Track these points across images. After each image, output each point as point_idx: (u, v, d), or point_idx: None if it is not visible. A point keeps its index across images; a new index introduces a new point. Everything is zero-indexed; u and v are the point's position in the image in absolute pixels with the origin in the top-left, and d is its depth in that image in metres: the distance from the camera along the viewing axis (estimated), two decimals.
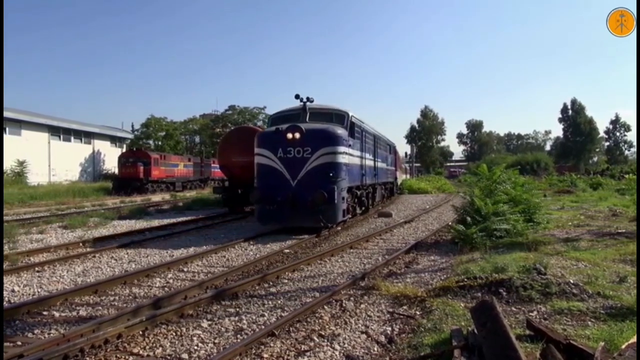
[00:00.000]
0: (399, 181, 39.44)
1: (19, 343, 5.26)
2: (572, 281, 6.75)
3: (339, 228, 15.21)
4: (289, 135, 13.32)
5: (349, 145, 14.35)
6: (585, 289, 6.50)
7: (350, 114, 15.30)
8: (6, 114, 40.50)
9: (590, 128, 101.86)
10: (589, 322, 5.41)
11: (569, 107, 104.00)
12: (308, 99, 14.60)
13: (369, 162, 18.72)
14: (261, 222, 14.11)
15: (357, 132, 16.08)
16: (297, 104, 15.02)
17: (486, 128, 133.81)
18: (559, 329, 5.18)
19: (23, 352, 4.68)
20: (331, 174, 13.14)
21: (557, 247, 10.15)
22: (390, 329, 5.73)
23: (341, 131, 13.99)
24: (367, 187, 18.70)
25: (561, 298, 6.27)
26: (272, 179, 13.62)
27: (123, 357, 4.91)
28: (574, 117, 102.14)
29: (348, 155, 14.27)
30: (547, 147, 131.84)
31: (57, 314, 6.37)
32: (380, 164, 22.05)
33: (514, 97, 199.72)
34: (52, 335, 5.48)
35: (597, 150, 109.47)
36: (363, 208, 18.57)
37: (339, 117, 15.09)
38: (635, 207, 14.72)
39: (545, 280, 6.71)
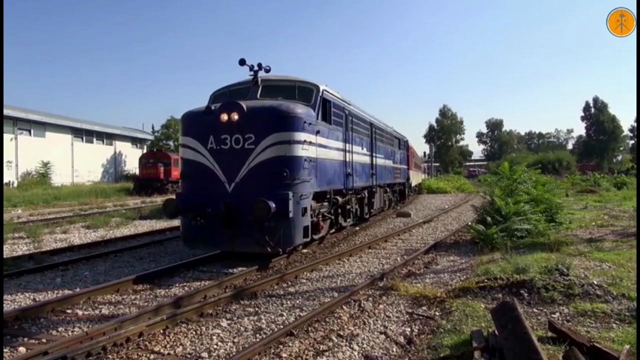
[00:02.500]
0: (415, 181, 33.58)
1: (44, 340, 5.38)
2: (595, 282, 6.62)
3: (305, 250, 10.90)
4: (223, 117, 8.87)
5: (317, 132, 9.90)
6: (610, 290, 6.37)
7: (322, 88, 10.58)
8: (31, 116, 41.54)
9: (614, 126, 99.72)
10: (614, 325, 5.30)
11: (592, 105, 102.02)
12: (260, 66, 10.28)
13: (361, 158, 14.13)
14: (186, 245, 9.66)
15: (337, 115, 11.69)
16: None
17: (506, 127, 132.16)
18: (582, 331, 5.09)
19: (47, 350, 4.79)
20: (284, 174, 8.72)
21: (580, 248, 9.97)
22: (409, 329, 5.70)
23: (303, 110, 9.36)
24: (359, 192, 14.30)
25: (584, 299, 6.15)
26: (200, 182, 9.26)
27: (144, 355, 4.98)
28: (597, 115, 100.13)
29: (317, 147, 9.86)
30: (569, 146, 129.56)
31: (80, 312, 6.50)
32: (381, 161, 17.60)
33: (535, 95, 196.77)
34: (75, 333, 5.59)
35: (621, 148, 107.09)
36: (352, 219, 13.85)
37: (305, 92, 10.39)
38: None
39: (567, 282, 6.60)
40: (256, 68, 10.35)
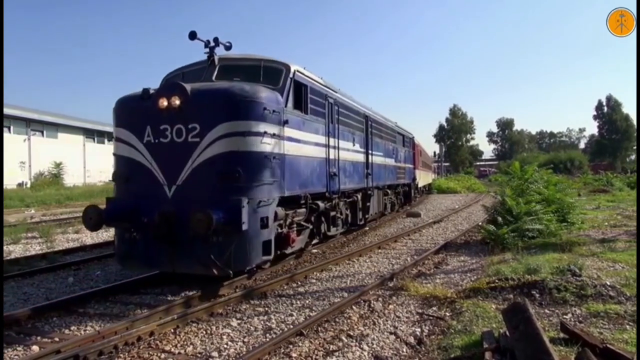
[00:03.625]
0: (423, 182, 31.43)
1: (57, 339, 5.44)
2: (608, 283, 6.55)
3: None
4: (162, 103, 7.07)
5: (286, 123, 7.95)
6: (623, 291, 6.30)
7: (294, 69, 8.64)
8: (44, 117, 42.06)
9: (627, 125, 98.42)
10: (627, 326, 5.24)
11: (605, 103, 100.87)
12: (218, 42, 8.35)
13: (352, 156, 12.22)
14: (119, 263, 7.82)
15: (317, 103, 9.74)
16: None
17: (517, 126, 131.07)
18: (595, 332, 5.04)
19: (60, 348, 4.85)
20: (237, 174, 6.88)
21: (592, 248, 9.87)
22: (419, 330, 5.68)
23: (264, 95, 7.48)
24: (350, 194, 12.43)
25: (597, 300, 6.09)
26: (134, 184, 7.46)
27: (155, 354, 5.02)
28: (610, 114, 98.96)
29: (286, 141, 7.99)
30: (582, 145, 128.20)
31: (92, 311, 6.56)
32: (379, 159, 15.59)
33: (546, 94, 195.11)
34: (87, 332, 5.64)
35: (635, 148, 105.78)
36: (341, 226, 12.04)
37: (271, 73, 8.42)
38: None
39: (580, 282, 6.53)
40: (212, 44, 8.35)
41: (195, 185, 6.97)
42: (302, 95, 9.00)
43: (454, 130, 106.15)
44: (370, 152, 14.24)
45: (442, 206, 25.38)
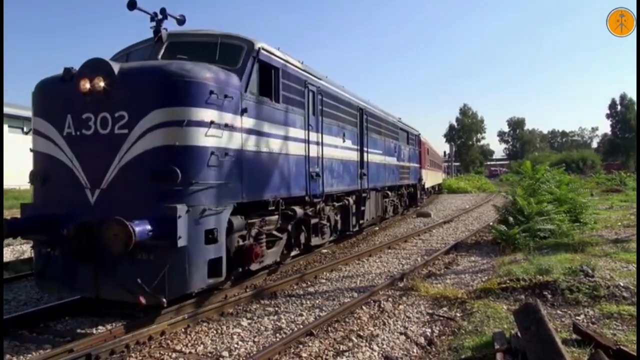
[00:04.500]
0: (431, 182, 29.69)
1: (69, 338, 5.49)
2: (622, 284, 6.47)
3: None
4: (84, 85, 5.76)
5: (244, 111, 6.58)
6: (637, 292, 6.22)
7: (259, 46, 7.14)
8: None
9: None
10: None
11: (618, 102, 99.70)
12: (165, 14, 7.06)
13: (341, 153, 10.81)
14: (36, 284, 6.59)
15: (293, 90, 8.29)
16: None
17: (528, 126, 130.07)
18: (608, 333, 4.98)
19: (72, 347, 4.89)
20: (173, 174, 5.53)
21: (605, 249, 9.76)
22: (429, 330, 5.66)
23: (211, 75, 6.09)
24: (340, 198, 11.09)
25: (610, 301, 6.03)
26: (53, 187, 6.15)
27: (166, 353, 5.05)
28: (624, 113, 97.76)
29: (245, 134, 6.63)
30: (594, 145, 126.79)
31: (104, 310, 6.60)
32: (377, 158, 14.07)
33: (558, 93, 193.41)
34: (99, 331, 5.69)
35: None
36: (329, 234, 10.51)
37: (230, 51, 6.98)
38: None
39: (593, 283, 6.47)
40: (159, 16, 7.01)
41: (123, 188, 5.65)
42: (272, 80, 7.56)
43: (464, 129, 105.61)
44: (365, 149, 12.68)
45: (453, 206, 25.27)
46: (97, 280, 5.62)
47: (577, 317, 5.60)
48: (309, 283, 8.12)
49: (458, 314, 6.17)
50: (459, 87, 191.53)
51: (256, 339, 5.45)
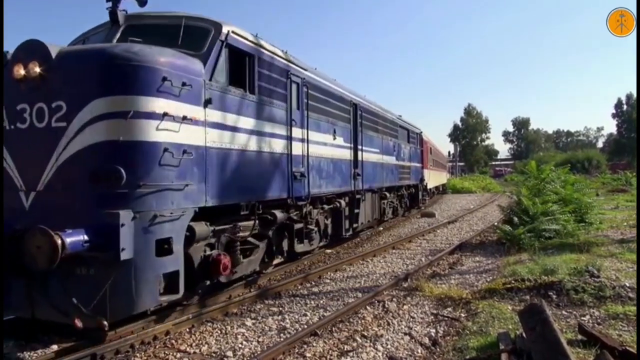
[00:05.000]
0: (434, 182, 28.82)
1: (74, 338, 5.50)
2: (627, 284, 6.44)
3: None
4: (17, 72, 5.03)
5: (208, 103, 5.82)
6: None
7: (228, 30, 6.33)
8: None
9: None
10: None
11: (624, 102, 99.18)
12: None
13: (331, 151, 9.97)
14: None
15: (272, 81, 7.49)
16: None
17: (533, 125, 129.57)
18: (614, 334, 4.96)
19: (78, 347, 4.91)
20: (116, 175, 4.81)
21: (611, 249, 9.71)
22: (434, 331, 5.65)
23: (169, 59, 5.40)
24: (331, 200, 10.32)
25: (616, 302, 6.00)
26: None
27: (171, 353, 5.07)
28: (630, 113, 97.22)
29: (209, 128, 5.88)
30: (600, 145, 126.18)
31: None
32: (374, 157, 13.24)
33: (563, 93, 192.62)
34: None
35: None
36: (318, 240, 9.91)
37: (195, 34, 6.19)
38: None
39: (598, 283, 6.44)
40: None
41: (60, 191, 4.89)
42: (246, 68, 6.76)
43: (469, 129, 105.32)
44: (360, 147, 11.87)
45: (457, 206, 25.20)
46: (31, 299, 4.84)
47: (582, 318, 5.58)
48: (313, 283, 8.12)
49: (463, 315, 6.15)
50: (463, 87, 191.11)
51: (260, 339, 5.45)
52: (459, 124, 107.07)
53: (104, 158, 4.85)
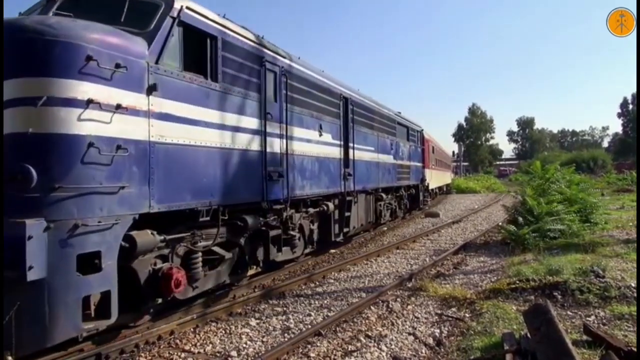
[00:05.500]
0: (437, 183, 27.70)
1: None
2: (633, 285, 6.41)
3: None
4: None
5: (152, 90, 4.91)
6: None
7: (181, 4, 5.49)
8: None
9: None
10: None
11: (630, 101, 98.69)
12: None
13: (314, 149, 9.02)
14: None
15: (240, 66, 6.62)
16: None
17: (538, 125, 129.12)
18: (619, 334, 4.93)
19: (82, 347, 4.93)
20: (25, 176, 3.97)
21: (616, 249, 9.66)
22: (438, 331, 5.64)
23: (99, 36, 4.50)
24: (316, 203, 9.45)
25: (622, 302, 5.97)
26: None
27: (175, 353, 5.08)
28: (635, 112, 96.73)
29: (156, 120, 5.03)
30: (605, 144, 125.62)
31: None
32: (368, 155, 12.31)
33: (568, 92, 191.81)
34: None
35: None
36: (303, 246, 9.15)
37: (142, 10, 5.34)
38: None
39: (603, 284, 6.42)
40: None
41: None
42: (207, 52, 5.89)
43: (473, 129, 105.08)
44: (351, 145, 10.99)
45: (462, 206, 25.14)
46: None
47: (587, 318, 5.56)
48: (317, 283, 8.12)
49: (467, 315, 6.14)
50: (467, 86, 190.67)
51: (265, 339, 5.46)
52: (464, 123, 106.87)
53: (9, 155, 4.02)
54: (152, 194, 4.89)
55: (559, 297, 6.33)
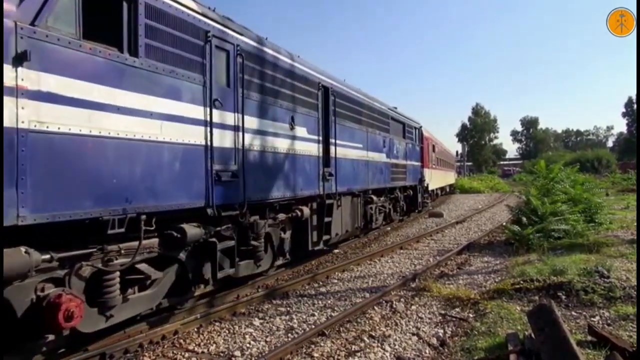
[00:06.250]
0: (437, 183, 26.28)
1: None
2: None
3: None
4: None
5: (20, 60, 3.66)
6: None
7: None
8: None
9: None
10: None
11: (634, 100, 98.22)
12: None
13: (283, 144, 7.76)
14: None
15: (167, 38, 5.28)
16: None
17: (542, 125, 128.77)
18: (624, 335, 4.91)
19: (87, 347, 4.94)
20: None
21: (621, 249, 9.62)
22: (442, 331, 5.63)
23: None
24: (290, 208, 8.29)
25: (626, 303, 5.94)
26: None
27: (179, 353, 5.09)
28: None
29: (31, 101, 3.77)
30: (609, 144, 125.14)
31: None
32: (354, 153, 11.03)
33: (572, 92, 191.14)
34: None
35: None
36: (264, 261, 7.47)
37: None
38: None
39: (608, 284, 6.39)
40: None
41: None
42: (124, 18, 4.75)
43: (477, 129, 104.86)
44: (333, 141, 9.70)
45: (465, 206, 25.10)
46: None
47: (592, 319, 5.54)
48: (320, 283, 8.12)
49: (471, 315, 6.13)
50: (471, 86, 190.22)
51: (268, 339, 5.47)
52: (467, 123, 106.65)
53: None
54: (22, 201, 3.68)
55: (564, 297, 6.31)
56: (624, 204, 20.05)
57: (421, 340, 5.34)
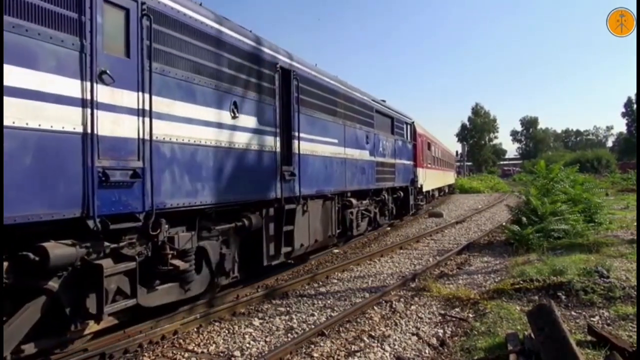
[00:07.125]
0: (435, 184, 25.21)
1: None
2: None
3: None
4: None
5: None
6: None
7: None
8: None
9: None
10: None
11: (634, 100, 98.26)
12: None
13: (221, 136, 6.15)
14: None
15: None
16: None
17: (542, 125, 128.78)
18: (624, 335, 4.92)
19: (87, 347, 4.94)
20: None
21: (620, 249, 9.63)
22: (442, 331, 5.63)
23: None
24: (235, 215, 6.79)
25: (626, 303, 5.95)
26: None
27: (179, 353, 5.09)
28: None
29: None
30: (609, 144, 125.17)
31: None
32: (326, 149, 9.51)
33: (572, 92, 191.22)
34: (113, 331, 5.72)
35: None
36: (206, 284, 6.30)
37: None
38: None
39: (608, 284, 6.40)
40: None
41: None
42: None
43: (477, 129, 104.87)
44: (296, 134, 8.12)
45: (465, 206, 25.11)
46: None
47: (591, 319, 5.54)
48: (320, 283, 8.12)
49: (470, 315, 6.13)
50: (470, 86, 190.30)
51: (268, 339, 5.47)
52: (467, 123, 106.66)
53: None
54: None
55: (563, 297, 6.31)
56: (623, 204, 20.06)
57: (421, 340, 5.34)
